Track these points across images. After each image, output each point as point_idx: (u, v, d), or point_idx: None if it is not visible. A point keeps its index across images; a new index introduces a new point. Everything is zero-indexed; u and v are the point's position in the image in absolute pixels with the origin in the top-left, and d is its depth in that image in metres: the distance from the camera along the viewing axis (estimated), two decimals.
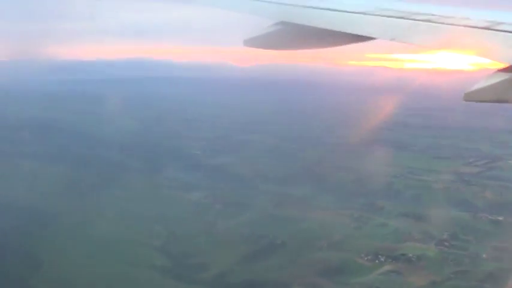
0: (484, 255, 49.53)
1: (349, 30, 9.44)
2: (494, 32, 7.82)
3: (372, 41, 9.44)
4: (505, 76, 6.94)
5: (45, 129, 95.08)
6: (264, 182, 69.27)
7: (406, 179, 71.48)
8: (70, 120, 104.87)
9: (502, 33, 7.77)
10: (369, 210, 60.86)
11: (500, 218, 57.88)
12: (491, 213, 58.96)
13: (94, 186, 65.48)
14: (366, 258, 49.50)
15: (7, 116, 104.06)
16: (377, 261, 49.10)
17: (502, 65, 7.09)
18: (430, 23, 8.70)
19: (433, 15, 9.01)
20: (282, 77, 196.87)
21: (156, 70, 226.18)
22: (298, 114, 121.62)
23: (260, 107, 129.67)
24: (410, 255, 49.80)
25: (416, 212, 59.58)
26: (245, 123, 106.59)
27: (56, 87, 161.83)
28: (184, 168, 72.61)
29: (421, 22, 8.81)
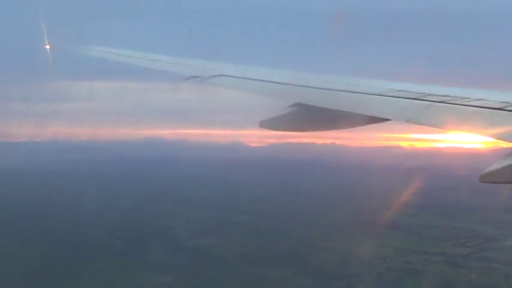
0: None
1: (364, 112, 9.58)
2: (508, 113, 7.86)
3: (387, 122, 9.47)
4: None
5: (36, 210, 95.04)
6: (243, 263, 67.83)
7: (390, 261, 69.48)
8: (62, 200, 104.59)
9: None
10: None
11: None
12: None
13: (65, 270, 64.37)
14: None
15: (7, 198, 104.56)
16: None
17: None
18: (445, 104, 8.72)
19: (447, 96, 9.00)
20: (294, 157, 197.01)
21: (168, 150, 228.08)
22: (300, 195, 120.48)
23: (264, 187, 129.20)
24: None
25: None
26: (242, 204, 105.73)
27: (59, 167, 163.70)
28: (164, 250, 71.24)
29: (436, 103, 8.85)
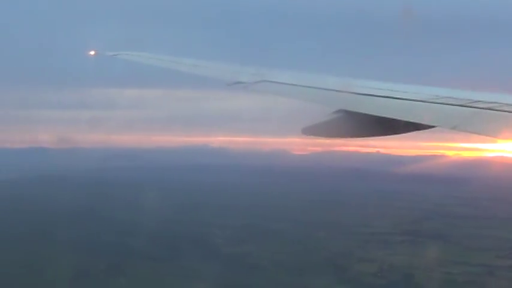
0: None
1: (409, 119, 9.46)
2: None
3: (432, 129, 9.45)
4: None
5: (81, 216, 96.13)
6: (279, 271, 67.27)
7: (430, 271, 67.95)
8: (105, 207, 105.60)
9: None
10: None
11: None
12: None
13: (101, 274, 64.78)
14: None
15: (51, 203, 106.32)
16: None
17: None
18: (492, 111, 8.50)
19: (495, 103, 8.78)
20: (337, 165, 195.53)
21: (213, 157, 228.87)
22: (339, 203, 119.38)
23: (303, 195, 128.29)
24: None
25: None
26: (280, 212, 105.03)
27: (106, 174, 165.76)
28: (200, 257, 71.14)
29: (482, 110, 8.64)
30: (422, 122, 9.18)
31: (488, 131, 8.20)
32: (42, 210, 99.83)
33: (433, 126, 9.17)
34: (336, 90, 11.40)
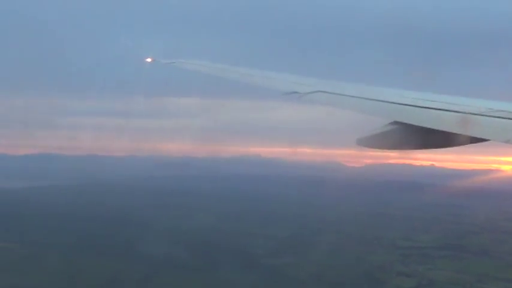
0: None
1: (462, 132, 9.48)
2: None
3: (486, 143, 9.36)
4: None
5: (121, 222, 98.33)
6: (318, 284, 67.36)
7: (469, 286, 67.08)
8: (149, 215, 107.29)
9: None
10: None
11: None
12: None
13: (135, 282, 66.10)
14: None
15: (94, 209, 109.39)
16: None
17: None
18: None
19: None
20: (389, 177, 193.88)
21: (264, 168, 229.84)
22: (388, 216, 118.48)
23: (352, 207, 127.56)
24: None
25: None
26: (325, 224, 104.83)
27: (158, 182, 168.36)
28: (237, 268, 71.74)
29: None
30: (476, 136, 9.17)
31: None
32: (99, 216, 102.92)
33: (487, 140, 9.15)
34: (391, 102, 11.56)
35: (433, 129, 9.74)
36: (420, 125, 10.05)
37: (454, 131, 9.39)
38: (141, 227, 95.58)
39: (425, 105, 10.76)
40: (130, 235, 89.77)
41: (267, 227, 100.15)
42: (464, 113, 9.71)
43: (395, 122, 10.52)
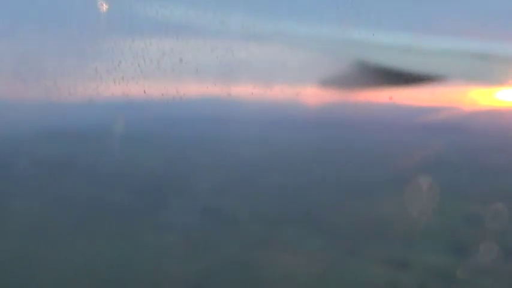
0: None
1: (421, 70, 9.64)
2: None
3: (444, 81, 9.68)
4: None
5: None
6: (254, 223, 66.65)
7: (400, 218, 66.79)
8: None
9: None
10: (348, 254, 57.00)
11: None
12: None
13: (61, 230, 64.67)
14: None
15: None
16: None
17: None
18: (507, 62, 8.61)
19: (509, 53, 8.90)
20: (346, 116, 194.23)
21: (221, 110, 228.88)
22: (339, 152, 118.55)
23: (303, 146, 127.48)
24: None
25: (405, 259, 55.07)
26: (273, 165, 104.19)
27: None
28: (177, 210, 70.57)
29: (496, 61, 8.76)
30: (436, 73, 9.32)
31: (503, 82, 8.44)
32: None
33: (446, 78, 9.42)
34: (350, 41, 11.30)
35: (393, 68, 9.78)
36: (380, 63, 10.16)
37: (414, 70, 9.50)
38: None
39: (385, 44, 10.69)
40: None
41: (210, 170, 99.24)
42: (423, 51, 9.67)
43: (354, 61, 10.51)
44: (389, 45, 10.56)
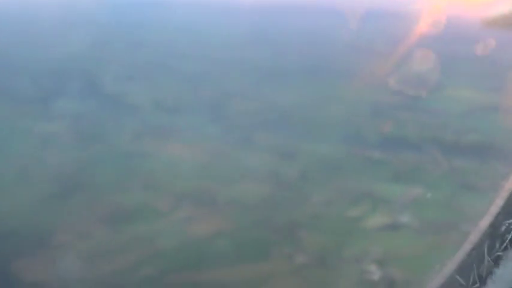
0: None
1: None
2: None
3: None
4: None
5: None
6: (154, 111, 65.09)
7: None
8: None
9: None
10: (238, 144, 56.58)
11: None
12: None
13: None
14: None
15: None
16: None
17: None
18: None
19: None
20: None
21: None
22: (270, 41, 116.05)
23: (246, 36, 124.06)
24: None
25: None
26: (198, 51, 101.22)
27: None
28: (74, 96, 68.05)
29: None
30: None
31: None
32: None
33: None
34: None
35: None
36: None
37: None
38: None
39: None
40: None
41: (126, 54, 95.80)
42: None
43: None
44: None
